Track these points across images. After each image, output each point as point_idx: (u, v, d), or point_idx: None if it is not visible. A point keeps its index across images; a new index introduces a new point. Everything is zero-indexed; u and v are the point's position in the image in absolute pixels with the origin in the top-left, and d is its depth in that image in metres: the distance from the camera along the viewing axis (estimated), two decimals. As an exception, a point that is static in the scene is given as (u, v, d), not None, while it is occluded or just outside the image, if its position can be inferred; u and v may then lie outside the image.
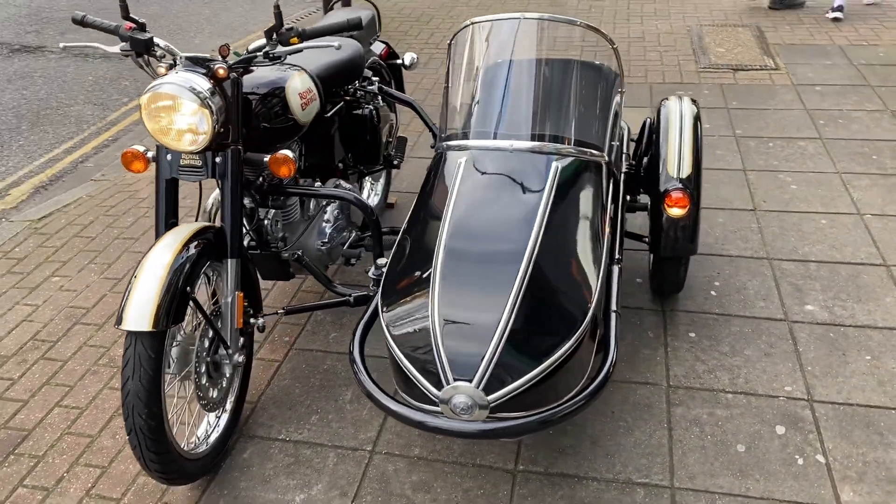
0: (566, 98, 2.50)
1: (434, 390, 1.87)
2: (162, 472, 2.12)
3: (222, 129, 2.24)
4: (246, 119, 2.41)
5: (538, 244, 2.09)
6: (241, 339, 2.41)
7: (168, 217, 2.33)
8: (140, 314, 2.00)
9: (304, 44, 2.30)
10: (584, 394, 1.94)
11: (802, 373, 2.70)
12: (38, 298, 3.38)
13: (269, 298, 3.28)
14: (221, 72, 2.20)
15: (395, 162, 3.47)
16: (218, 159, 2.28)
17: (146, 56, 2.34)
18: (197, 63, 2.23)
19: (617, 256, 2.45)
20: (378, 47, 3.79)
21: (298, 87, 2.55)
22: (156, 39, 2.33)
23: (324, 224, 2.86)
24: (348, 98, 3.10)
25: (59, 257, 3.71)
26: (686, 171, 2.71)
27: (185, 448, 2.27)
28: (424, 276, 2.05)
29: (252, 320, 2.43)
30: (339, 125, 3.04)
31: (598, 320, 2.07)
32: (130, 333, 2.02)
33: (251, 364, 2.61)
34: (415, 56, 3.77)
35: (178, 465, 2.15)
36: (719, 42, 6.11)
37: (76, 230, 3.95)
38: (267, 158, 2.35)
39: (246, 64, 2.29)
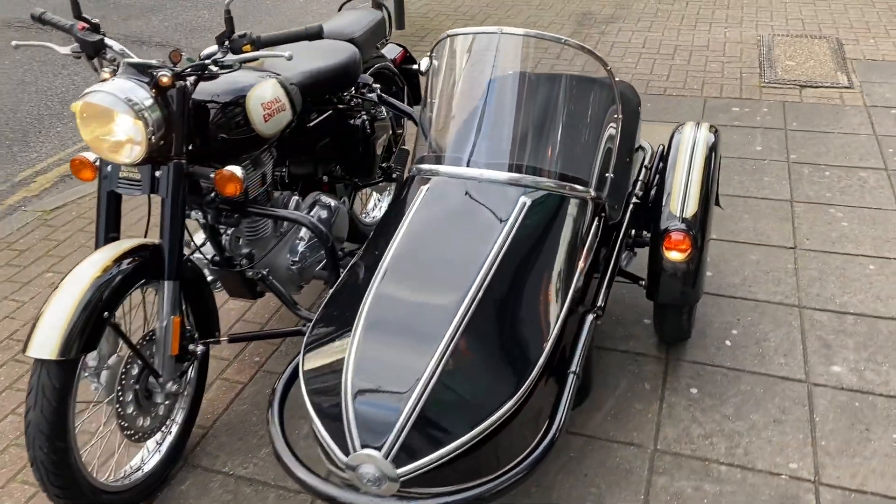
0: (549, 122, 2.23)
1: (341, 456, 1.65)
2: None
3: (162, 142, 2.07)
4: (202, 129, 2.24)
5: (482, 291, 1.84)
6: (183, 365, 2.25)
7: (108, 231, 2.19)
8: (46, 340, 1.85)
9: (258, 52, 2.12)
10: (513, 471, 1.69)
11: (814, 447, 2.36)
12: (26, 295, 3.33)
13: (251, 313, 3.13)
14: (164, 80, 2.03)
15: (395, 175, 3.25)
16: (158, 173, 2.12)
17: (97, 59, 2.20)
18: (141, 70, 2.06)
19: (599, 304, 2.18)
20: (393, 51, 3.59)
21: (264, 96, 2.36)
22: (108, 41, 2.18)
23: (297, 241, 2.67)
24: (341, 106, 2.90)
25: (60, 252, 3.66)
26: (691, 209, 2.39)
27: (109, 479, 2.13)
28: (348, 323, 1.84)
29: (192, 346, 2.26)
30: (330, 135, 2.85)
31: (546, 382, 1.81)
32: (37, 360, 1.88)
33: (202, 388, 2.45)
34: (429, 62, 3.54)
35: (88, 499, 2.00)
36: (790, 54, 5.63)
37: (83, 224, 3.90)
38: (212, 175, 2.17)
39: (197, 72, 2.12)
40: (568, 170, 2.18)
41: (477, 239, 1.97)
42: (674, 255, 2.37)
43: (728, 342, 2.81)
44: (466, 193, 2.11)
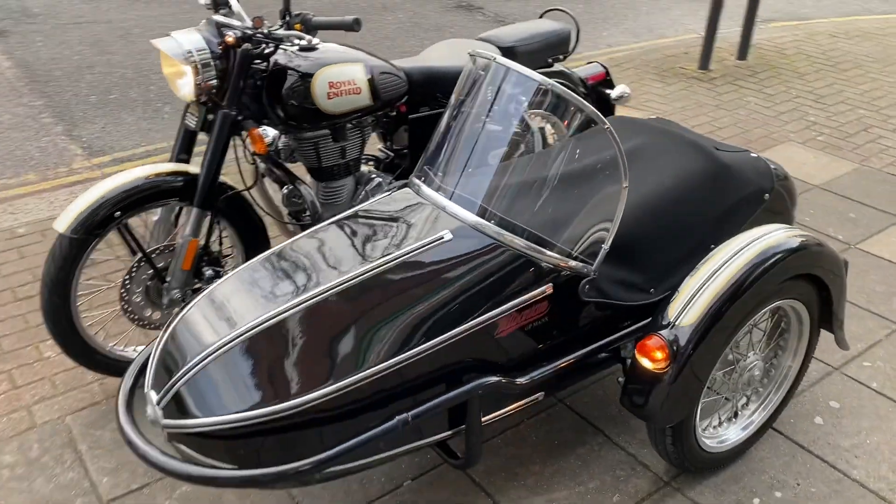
0: (540, 176, 2.03)
1: (145, 389, 1.84)
2: (65, 349, 2.48)
3: (214, 91, 2.40)
4: (276, 92, 2.52)
5: (327, 295, 1.83)
6: (195, 282, 2.60)
7: (179, 153, 2.61)
8: (65, 218, 2.34)
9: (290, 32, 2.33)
10: (264, 472, 1.69)
11: None
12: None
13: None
14: (229, 39, 2.35)
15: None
16: (210, 116, 2.46)
17: (219, 11, 2.59)
18: (220, 26, 2.40)
19: (521, 380, 1.98)
20: (592, 69, 3.44)
21: (334, 75, 2.54)
22: (231, 1, 2.56)
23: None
24: None
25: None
26: (691, 317, 1.99)
27: (112, 346, 2.61)
28: (215, 282, 1.98)
29: (205, 269, 2.60)
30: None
31: (338, 405, 1.75)
32: (57, 232, 2.38)
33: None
34: (627, 91, 3.35)
35: (79, 349, 2.49)
36: None
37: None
38: (247, 130, 2.45)
39: (267, 42, 2.39)
40: (543, 231, 1.97)
41: (371, 250, 1.95)
42: (644, 362, 2.00)
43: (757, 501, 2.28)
44: (407, 209, 2.06)
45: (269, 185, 2.87)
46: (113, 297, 3.13)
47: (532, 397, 2.11)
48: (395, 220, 2.07)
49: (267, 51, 2.45)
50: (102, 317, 2.99)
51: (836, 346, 2.88)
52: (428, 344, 1.83)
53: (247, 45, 2.38)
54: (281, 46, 2.48)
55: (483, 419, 2.02)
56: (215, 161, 2.47)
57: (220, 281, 1.98)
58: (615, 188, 2.01)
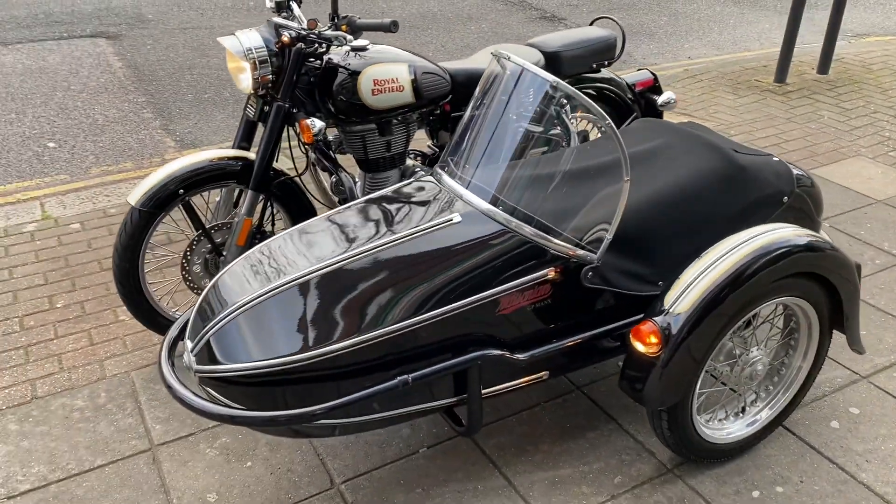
0: (548, 168, 2.18)
1: (185, 341, 2.10)
2: (133, 311, 2.81)
3: (270, 85, 2.67)
4: (327, 87, 2.78)
5: (346, 262, 2.05)
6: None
7: (241, 141, 2.90)
8: (136, 192, 2.66)
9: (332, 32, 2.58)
10: (283, 415, 1.91)
11: None
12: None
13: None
14: (285, 39, 2.62)
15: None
16: (267, 108, 2.74)
17: (281, 14, 2.87)
18: (278, 27, 2.68)
19: (521, 356, 2.14)
20: (641, 76, 3.55)
21: (379, 74, 2.77)
22: (291, 4, 2.84)
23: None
24: None
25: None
26: (686, 305, 2.09)
27: (169, 312, 2.91)
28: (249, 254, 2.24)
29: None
30: None
31: (350, 360, 1.95)
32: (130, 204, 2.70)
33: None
34: (672, 97, 3.45)
35: (145, 307, 2.80)
36: None
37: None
38: (299, 121, 2.71)
39: (321, 42, 2.65)
40: (550, 220, 2.13)
41: (388, 227, 2.16)
42: (638, 346, 2.12)
43: (756, 494, 2.34)
44: (428, 194, 2.26)
45: (321, 174, 3.12)
46: (177, 267, 3.45)
47: (536, 375, 2.26)
48: (415, 203, 2.27)
49: (320, 50, 2.71)
50: (168, 285, 3.32)
51: (870, 354, 2.90)
52: (432, 313, 2.02)
53: (300, 45, 2.64)
54: (333, 46, 2.73)
55: (485, 391, 2.18)
56: (269, 148, 2.74)
57: (257, 246, 2.23)
58: (620, 183, 2.15)
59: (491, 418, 2.66)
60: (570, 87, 2.06)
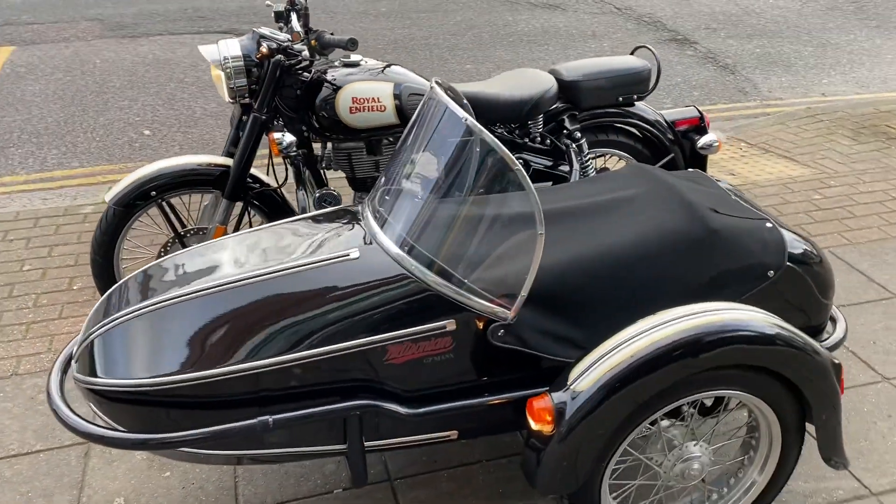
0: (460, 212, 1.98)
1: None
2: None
3: (246, 96, 2.65)
4: (310, 102, 2.72)
5: (230, 286, 1.97)
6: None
7: (230, 146, 2.90)
8: (113, 191, 2.73)
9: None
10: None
11: None
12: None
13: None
14: (263, 50, 2.59)
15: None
16: (244, 117, 2.71)
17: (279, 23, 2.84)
18: (261, 38, 2.65)
19: (400, 410, 1.96)
20: (685, 113, 3.22)
21: (359, 91, 2.66)
22: (291, 16, 2.79)
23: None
24: (506, 136, 2.95)
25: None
26: (588, 382, 1.82)
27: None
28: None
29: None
30: None
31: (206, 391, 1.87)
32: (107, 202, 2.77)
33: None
34: (714, 140, 3.10)
35: None
36: None
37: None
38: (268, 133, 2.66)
39: (297, 54, 2.59)
40: (457, 269, 1.93)
41: (285, 254, 2.06)
42: (531, 422, 1.87)
43: None
44: (343, 226, 2.13)
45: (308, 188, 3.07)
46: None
47: (442, 433, 2.07)
48: (329, 232, 2.15)
49: (304, 63, 2.65)
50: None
51: (890, 467, 2.44)
52: (308, 353, 1.89)
53: (280, 57, 2.59)
54: (318, 60, 2.66)
55: (374, 443, 2.02)
56: (243, 158, 2.71)
57: (159, 261, 2.20)
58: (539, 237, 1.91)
59: (422, 469, 2.48)
60: (480, 127, 1.85)
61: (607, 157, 3.23)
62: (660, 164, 3.14)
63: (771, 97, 6.15)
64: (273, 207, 2.85)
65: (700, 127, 3.20)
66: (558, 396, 1.85)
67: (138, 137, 5.29)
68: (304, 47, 2.56)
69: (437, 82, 2.07)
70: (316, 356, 1.89)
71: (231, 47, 2.64)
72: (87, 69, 6.52)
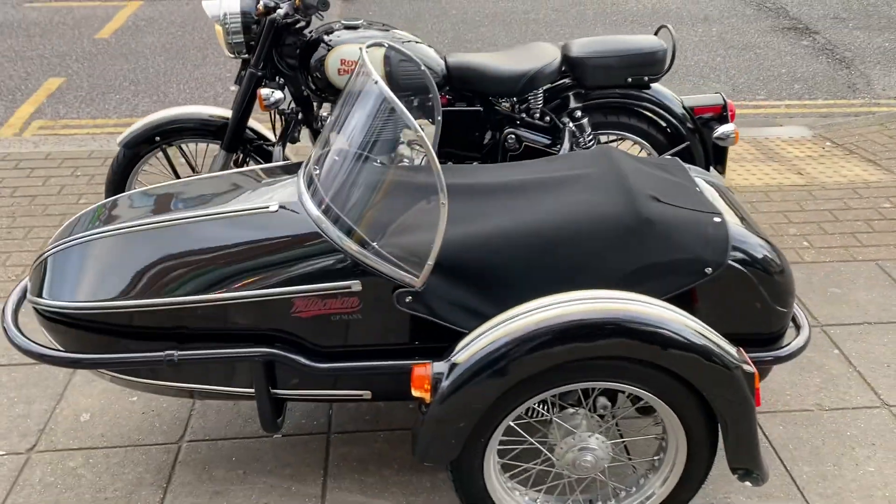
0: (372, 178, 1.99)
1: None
2: None
3: (245, 50, 2.76)
4: (306, 61, 2.80)
5: (158, 226, 2.10)
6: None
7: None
8: (124, 134, 2.93)
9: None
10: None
11: None
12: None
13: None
14: (259, 7, 2.69)
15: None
16: (242, 72, 2.83)
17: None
18: (257, -4, 2.75)
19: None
20: (707, 100, 3.04)
21: (347, 54, 2.71)
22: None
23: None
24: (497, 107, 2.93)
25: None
26: (466, 355, 1.81)
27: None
28: None
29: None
30: (452, 125, 2.90)
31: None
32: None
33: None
34: (730, 131, 2.93)
35: None
36: None
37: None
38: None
39: (273, 12, 2.68)
40: (368, 234, 1.96)
41: (220, 201, 2.18)
42: (413, 390, 1.87)
43: None
44: (279, 182, 2.19)
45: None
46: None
47: (355, 392, 2.12)
48: (265, 185, 2.22)
49: (300, 24, 2.72)
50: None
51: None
52: (217, 296, 1.98)
53: (274, 15, 2.68)
54: (330, 22, 2.74)
55: (281, 391, 2.10)
56: (240, 111, 2.84)
57: (127, 192, 2.36)
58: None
59: (364, 426, 2.53)
60: (389, 91, 1.85)
61: (620, 140, 3.09)
62: (672, 151, 2.98)
63: (883, 96, 5.62)
64: (270, 160, 2.96)
65: (722, 116, 2.99)
66: (438, 366, 1.84)
67: (223, 91, 5.58)
68: (287, 5, 2.63)
69: (376, 44, 2.09)
70: (225, 300, 1.98)
71: (231, 4, 2.75)
72: (198, 25, 6.94)
